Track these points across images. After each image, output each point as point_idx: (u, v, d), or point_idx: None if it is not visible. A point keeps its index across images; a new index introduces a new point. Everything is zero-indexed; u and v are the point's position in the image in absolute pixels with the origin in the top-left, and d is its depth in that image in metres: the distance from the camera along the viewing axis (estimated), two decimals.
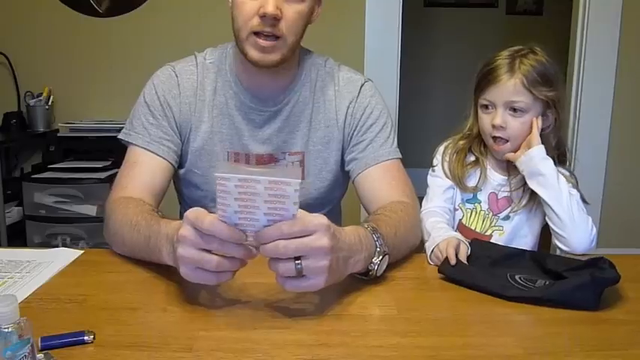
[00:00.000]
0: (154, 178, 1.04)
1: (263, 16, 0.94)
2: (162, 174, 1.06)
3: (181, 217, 1.21)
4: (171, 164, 1.07)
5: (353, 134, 1.11)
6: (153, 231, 0.84)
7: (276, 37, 0.97)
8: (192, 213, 0.69)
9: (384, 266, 0.84)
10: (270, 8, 0.93)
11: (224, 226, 0.67)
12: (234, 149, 1.09)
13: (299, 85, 1.10)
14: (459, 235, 0.98)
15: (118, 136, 1.09)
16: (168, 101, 1.07)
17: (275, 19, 0.94)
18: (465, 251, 0.93)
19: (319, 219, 0.69)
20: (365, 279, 0.83)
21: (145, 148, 1.05)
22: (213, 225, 0.67)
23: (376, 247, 0.82)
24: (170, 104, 1.07)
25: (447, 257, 0.90)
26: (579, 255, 1.02)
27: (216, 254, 0.69)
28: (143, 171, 1.04)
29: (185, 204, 1.20)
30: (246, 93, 1.08)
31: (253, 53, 0.98)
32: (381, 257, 0.82)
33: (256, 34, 0.96)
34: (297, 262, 0.68)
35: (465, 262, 0.91)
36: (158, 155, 1.05)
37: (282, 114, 1.09)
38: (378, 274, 0.83)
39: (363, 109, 1.11)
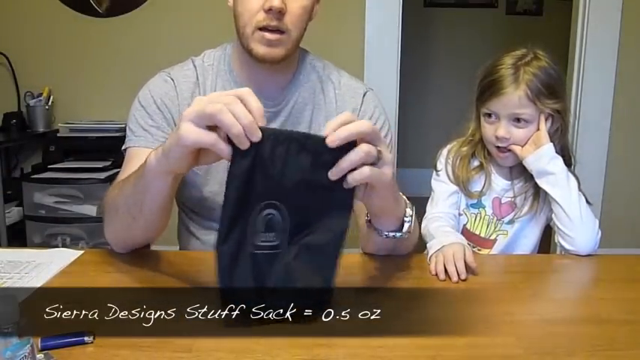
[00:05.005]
0: None
1: (269, 11, 0.96)
2: None
3: (180, 221, 1.23)
4: None
5: None
6: (139, 169, 0.82)
7: (281, 32, 0.98)
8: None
9: (412, 225, 0.86)
10: (275, 2, 0.95)
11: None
12: None
13: (298, 86, 1.10)
14: (464, 241, 0.97)
15: (122, 148, 1.07)
16: (166, 103, 1.06)
17: (280, 14, 0.96)
18: (471, 255, 0.91)
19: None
20: (397, 236, 0.85)
21: (146, 148, 1.01)
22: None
23: (405, 201, 0.85)
24: (168, 106, 1.06)
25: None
26: (582, 256, 1.01)
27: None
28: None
29: (183, 206, 1.19)
30: None
31: (259, 48, 0.99)
32: (412, 211, 0.85)
33: (261, 29, 0.98)
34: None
35: (474, 265, 0.88)
36: None
37: (282, 114, 1.09)
38: (410, 230, 0.85)
39: (367, 119, 1.10)
